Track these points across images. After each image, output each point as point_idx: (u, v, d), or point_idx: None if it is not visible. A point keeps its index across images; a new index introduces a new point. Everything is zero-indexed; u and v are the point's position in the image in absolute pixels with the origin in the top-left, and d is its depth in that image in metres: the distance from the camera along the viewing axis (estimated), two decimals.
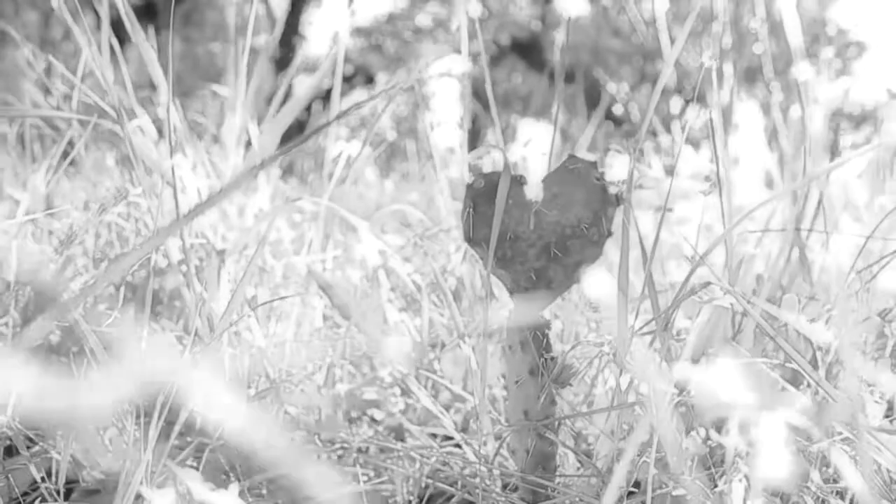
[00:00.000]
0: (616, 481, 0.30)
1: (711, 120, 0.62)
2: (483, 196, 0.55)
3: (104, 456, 0.73)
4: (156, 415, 0.58)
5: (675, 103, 5.28)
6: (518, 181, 0.55)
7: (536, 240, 0.55)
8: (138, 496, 0.55)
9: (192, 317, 0.73)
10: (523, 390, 0.58)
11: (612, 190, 0.55)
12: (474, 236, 0.56)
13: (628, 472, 0.52)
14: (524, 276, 0.56)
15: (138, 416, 0.63)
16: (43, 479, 0.68)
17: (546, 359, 0.57)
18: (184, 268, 0.74)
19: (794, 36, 0.86)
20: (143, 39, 0.86)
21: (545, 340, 0.57)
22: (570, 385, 0.57)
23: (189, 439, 0.78)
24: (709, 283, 0.46)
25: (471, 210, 0.55)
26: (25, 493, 0.69)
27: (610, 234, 0.56)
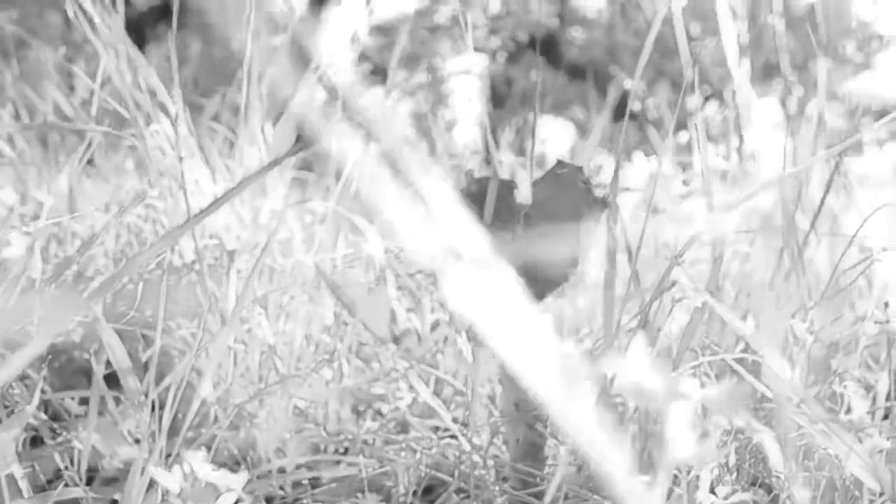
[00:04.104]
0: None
1: (727, 116, 0.64)
2: (474, 199, 0.58)
3: (122, 446, 0.77)
4: (168, 406, 0.61)
5: (693, 100, 5.25)
6: (508, 186, 0.58)
7: (525, 242, 0.58)
8: (152, 482, 0.58)
9: (204, 314, 0.77)
10: (515, 383, 0.61)
11: (598, 193, 0.58)
12: None
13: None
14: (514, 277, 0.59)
15: (153, 409, 0.66)
16: (66, 468, 0.72)
17: None
18: (197, 267, 0.78)
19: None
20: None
21: None
22: None
23: (203, 430, 0.82)
24: (674, 283, 0.49)
25: None
26: (50, 481, 0.73)
27: (595, 236, 0.59)
